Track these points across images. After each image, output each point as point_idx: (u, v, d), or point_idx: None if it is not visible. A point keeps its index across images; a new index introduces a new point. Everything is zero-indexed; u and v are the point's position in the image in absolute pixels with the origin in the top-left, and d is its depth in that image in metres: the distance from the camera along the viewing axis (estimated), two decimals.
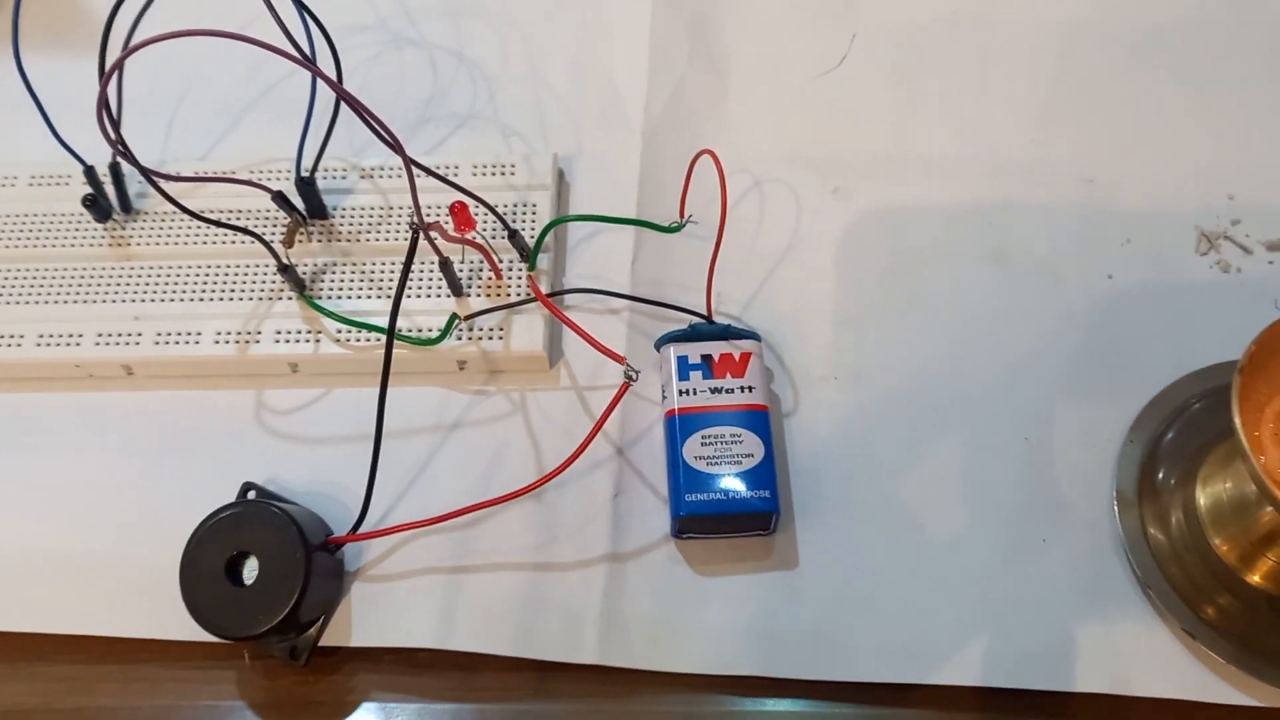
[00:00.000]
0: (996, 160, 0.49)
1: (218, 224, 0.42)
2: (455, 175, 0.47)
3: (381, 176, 0.48)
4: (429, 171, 0.42)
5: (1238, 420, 0.34)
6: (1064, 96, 0.51)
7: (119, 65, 0.36)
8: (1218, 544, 0.40)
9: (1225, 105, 0.50)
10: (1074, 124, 0.50)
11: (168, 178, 0.42)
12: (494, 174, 0.48)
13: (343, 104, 0.38)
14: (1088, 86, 0.51)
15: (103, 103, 0.37)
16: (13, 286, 0.46)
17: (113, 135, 0.39)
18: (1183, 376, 0.44)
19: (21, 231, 0.47)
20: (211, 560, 0.38)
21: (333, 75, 0.41)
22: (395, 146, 0.39)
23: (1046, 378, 0.44)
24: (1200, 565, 0.40)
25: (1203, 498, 0.41)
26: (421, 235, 0.38)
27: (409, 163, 0.39)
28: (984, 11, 0.53)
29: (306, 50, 0.41)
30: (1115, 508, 0.41)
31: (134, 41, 0.41)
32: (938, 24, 0.53)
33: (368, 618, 0.40)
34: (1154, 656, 0.39)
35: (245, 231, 0.43)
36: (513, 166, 0.48)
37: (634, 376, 0.39)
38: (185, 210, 0.41)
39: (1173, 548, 0.41)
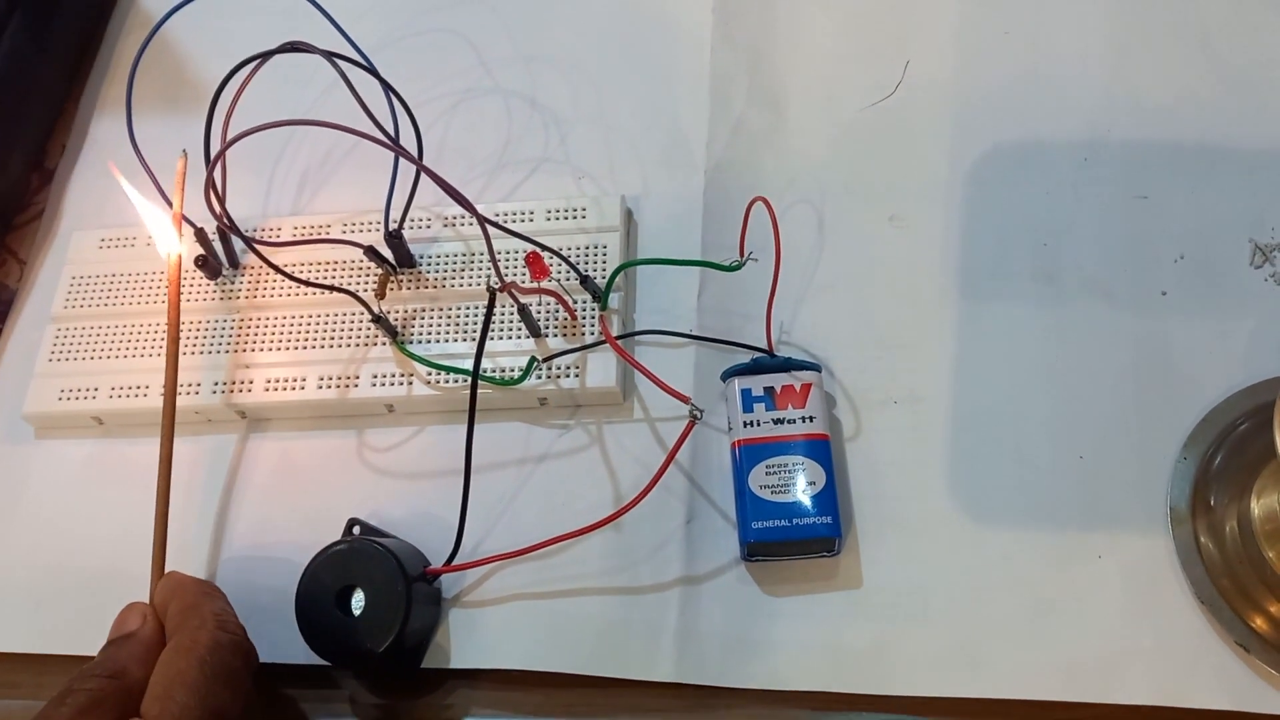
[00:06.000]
0: (1047, 180, 0.50)
1: (318, 285, 0.46)
2: (530, 220, 0.51)
3: (462, 224, 0.51)
4: (505, 229, 0.46)
5: None
6: (1114, 113, 0.52)
7: (222, 155, 0.40)
8: (1271, 557, 0.41)
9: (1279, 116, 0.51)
10: (1124, 141, 0.51)
11: (269, 244, 0.46)
12: (566, 218, 0.51)
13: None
14: (1138, 102, 0.52)
15: (209, 185, 0.41)
16: (136, 341, 0.51)
17: (219, 211, 0.44)
18: (1236, 392, 0.45)
19: (140, 289, 0.52)
20: (323, 593, 0.42)
21: (413, 148, 0.45)
22: (471, 209, 0.42)
23: (1100, 395, 0.46)
24: (1254, 578, 0.41)
25: (1257, 509, 0.42)
26: (499, 292, 0.41)
27: (484, 224, 0.42)
28: (1033, 31, 0.54)
29: (391, 125, 0.45)
30: (1169, 523, 0.43)
31: (234, 127, 0.45)
32: (989, 47, 0.54)
33: (465, 641, 0.44)
34: (1208, 669, 0.41)
35: (341, 290, 0.47)
36: (583, 210, 0.51)
37: (699, 415, 0.42)
38: (289, 276, 0.45)
39: (1226, 561, 0.42)
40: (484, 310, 0.48)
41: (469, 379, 0.47)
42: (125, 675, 0.38)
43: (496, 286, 0.41)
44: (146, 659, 0.39)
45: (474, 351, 0.47)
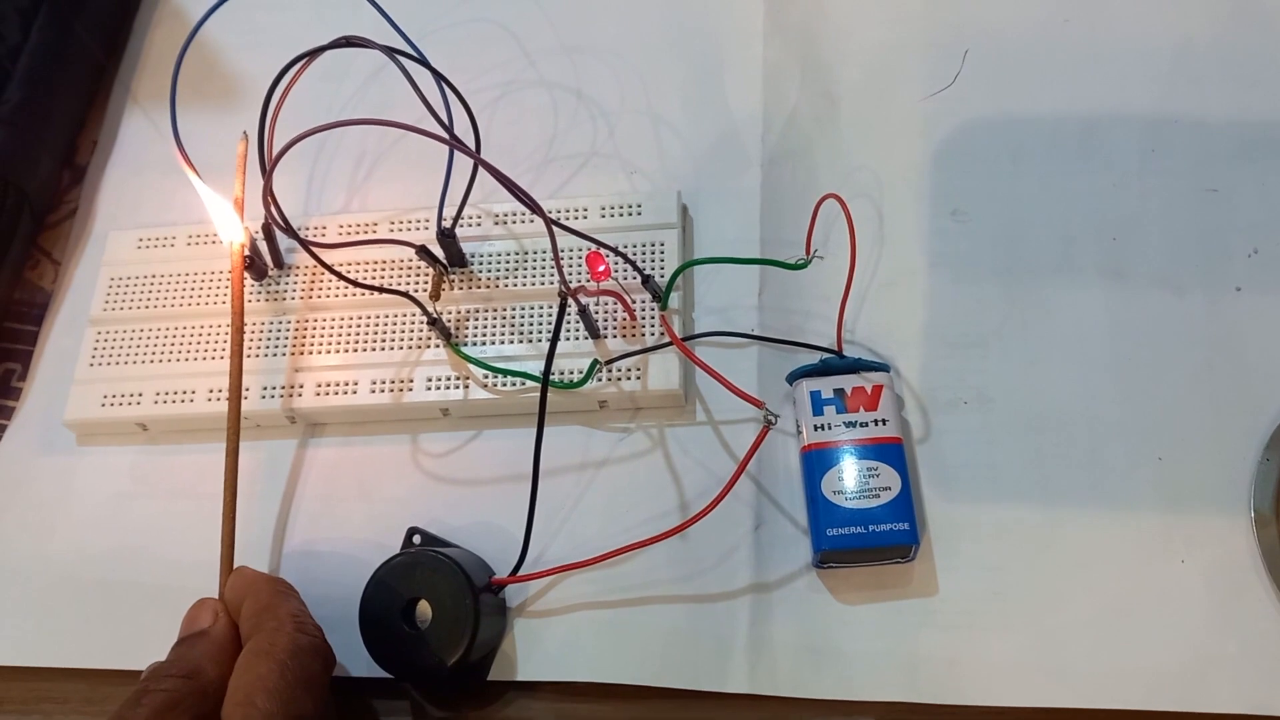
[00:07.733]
0: (1112, 173, 0.49)
1: (374, 287, 0.45)
2: (584, 217, 0.49)
3: (514, 222, 0.50)
4: (567, 228, 0.44)
5: None
6: (1179, 104, 0.50)
7: (280, 157, 0.39)
8: None
9: None
10: (1191, 132, 0.50)
11: (321, 245, 0.45)
12: (621, 214, 0.49)
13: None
14: (1203, 92, 0.50)
15: (268, 190, 0.40)
16: (180, 344, 0.50)
17: (275, 212, 0.42)
18: None
19: (185, 291, 0.51)
20: (388, 607, 0.41)
21: (471, 143, 0.43)
22: (536, 208, 0.41)
23: (1175, 395, 0.45)
24: None
25: None
26: (570, 298, 0.40)
27: (550, 224, 0.41)
28: (1094, 19, 0.53)
29: (445, 118, 0.44)
30: (1254, 526, 0.42)
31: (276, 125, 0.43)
32: (1049, 35, 0.53)
33: (531, 652, 0.43)
34: None
35: (397, 292, 0.45)
36: (638, 206, 0.49)
37: (773, 420, 0.41)
38: (344, 278, 0.43)
39: None
40: (549, 313, 0.47)
41: (526, 381, 0.46)
42: (200, 675, 0.37)
43: (566, 290, 0.40)
44: (221, 658, 0.38)
45: (529, 353, 0.47)
